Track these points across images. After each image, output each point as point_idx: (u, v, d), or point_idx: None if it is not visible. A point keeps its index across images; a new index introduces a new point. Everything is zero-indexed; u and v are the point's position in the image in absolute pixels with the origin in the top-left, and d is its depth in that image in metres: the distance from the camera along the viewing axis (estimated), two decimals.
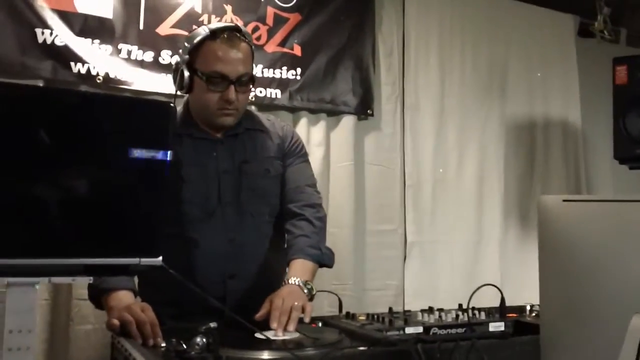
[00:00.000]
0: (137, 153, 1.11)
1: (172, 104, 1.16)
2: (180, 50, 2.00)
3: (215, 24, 1.98)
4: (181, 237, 1.94)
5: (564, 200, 1.21)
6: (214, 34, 1.93)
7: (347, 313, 1.88)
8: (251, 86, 2.02)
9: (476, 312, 1.83)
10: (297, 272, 1.91)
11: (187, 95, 2.05)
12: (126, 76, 2.80)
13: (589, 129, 4.09)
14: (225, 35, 1.93)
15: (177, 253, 1.87)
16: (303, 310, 1.75)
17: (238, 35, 1.96)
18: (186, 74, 1.94)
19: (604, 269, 1.11)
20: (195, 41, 1.93)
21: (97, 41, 2.75)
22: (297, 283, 1.86)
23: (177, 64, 1.98)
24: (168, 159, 1.12)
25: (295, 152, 2.15)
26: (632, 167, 3.39)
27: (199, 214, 1.97)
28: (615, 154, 3.30)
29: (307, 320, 1.75)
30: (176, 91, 1.97)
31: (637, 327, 0.99)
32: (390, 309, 1.95)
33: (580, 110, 4.04)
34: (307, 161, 2.20)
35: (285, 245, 2.07)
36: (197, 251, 1.95)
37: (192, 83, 1.95)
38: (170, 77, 2.77)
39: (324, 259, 2.02)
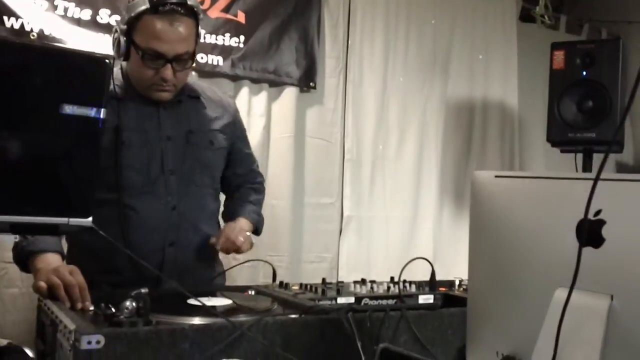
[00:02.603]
0: (69, 109, 1.07)
1: (108, 60, 1.11)
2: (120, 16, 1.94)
3: None
4: (119, 203, 1.90)
5: (496, 176, 1.23)
6: (155, 7, 1.82)
7: (281, 283, 1.89)
8: (192, 63, 1.96)
9: (407, 284, 1.87)
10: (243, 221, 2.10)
11: None
12: (62, 34, 2.70)
13: (525, 111, 4.18)
14: (167, 10, 1.82)
15: (114, 219, 1.86)
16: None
17: (181, 10, 1.85)
18: (123, 42, 1.87)
19: (530, 243, 1.14)
20: (133, 13, 1.84)
21: None
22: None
23: (115, 30, 1.91)
24: (101, 116, 1.08)
25: (243, 135, 2.22)
26: (563, 150, 3.49)
27: (139, 180, 1.93)
28: (548, 136, 3.39)
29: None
30: (114, 57, 1.91)
31: (560, 300, 1.03)
32: (323, 279, 1.96)
33: (518, 93, 4.13)
34: (247, 138, 2.29)
35: (227, 206, 2.20)
36: (137, 218, 1.92)
37: (129, 53, 1.89)
38: (107, 37, 2.69)
39: (260, 226, 2.20)
